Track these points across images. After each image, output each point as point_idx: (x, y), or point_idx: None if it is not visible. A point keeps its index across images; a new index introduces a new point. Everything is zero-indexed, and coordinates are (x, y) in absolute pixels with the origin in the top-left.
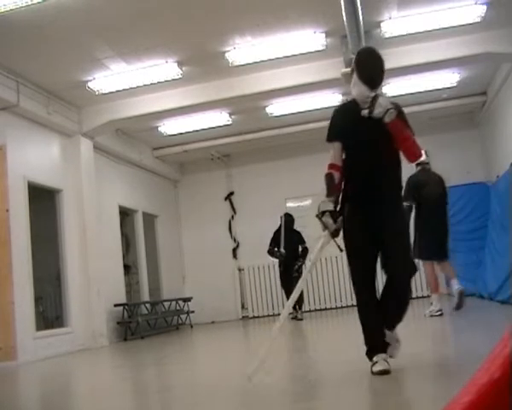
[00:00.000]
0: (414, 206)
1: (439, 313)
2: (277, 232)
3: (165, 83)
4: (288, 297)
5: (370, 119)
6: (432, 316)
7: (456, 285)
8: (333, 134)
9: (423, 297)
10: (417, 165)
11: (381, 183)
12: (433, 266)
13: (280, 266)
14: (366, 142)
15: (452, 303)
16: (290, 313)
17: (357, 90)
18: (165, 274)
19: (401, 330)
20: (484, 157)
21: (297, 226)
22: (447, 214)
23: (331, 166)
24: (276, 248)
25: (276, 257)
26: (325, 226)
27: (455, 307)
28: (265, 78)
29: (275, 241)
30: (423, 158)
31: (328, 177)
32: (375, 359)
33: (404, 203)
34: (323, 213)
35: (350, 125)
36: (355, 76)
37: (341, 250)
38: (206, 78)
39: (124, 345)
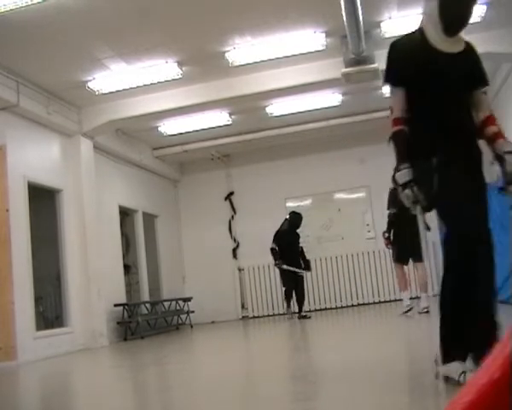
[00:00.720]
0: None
1: (409, 307)
2: (282, 230)
3: (165, 83)
4: (294, 295)
5: (454, 59)
6: (404, 313)
7: (424, 302)
8: (398, 76)
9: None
10: None
11: (471, 142)
12: (403, 268)
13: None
14: (447, 89)
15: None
16: (297, 313)
17: (431, 27)
18: (165, 274)
19: (399, 329)
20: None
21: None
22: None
23: (397, 121)
24: (278, 251)
25: (278, 265)
26: (415, 200)
27: (418, 312)
28: (265, 78)
29: (279, 239)
30: None
31: (399, 135)
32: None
33: (388, 211)
34: (406, 184)
35: (422, 66)
36: (433, 4)
37: (429, 229)
38: (206, 78)
39: (124, 345)
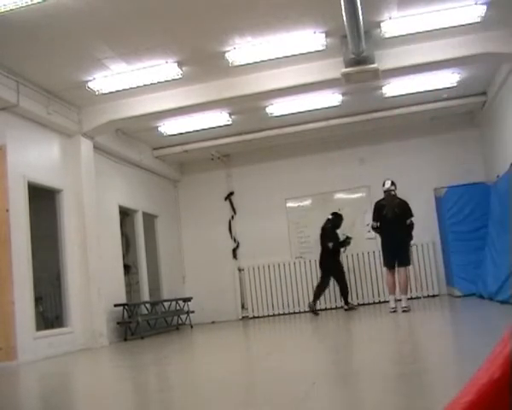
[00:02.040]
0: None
1: (393, 310)
2: (328, 228)
3: (165, 83)
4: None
5: None
6: (390, 312)
7: (403, 303)
8: None
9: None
10: (384, 192)
11: None
12: (393, 273)
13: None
14: None
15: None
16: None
17: None
18: (165, 274)
19: (399, 329)
20: (484, 157)
21: (296, 228)
22: (404, 231)
23: None
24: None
25: (347, 243)
26: None
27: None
28: (265, 78)
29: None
30: (388, 186)
31: None
32: None
33: (372, 223)
34: None
35: None
36: None
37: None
38: (206, 78)
39: (124, 345)
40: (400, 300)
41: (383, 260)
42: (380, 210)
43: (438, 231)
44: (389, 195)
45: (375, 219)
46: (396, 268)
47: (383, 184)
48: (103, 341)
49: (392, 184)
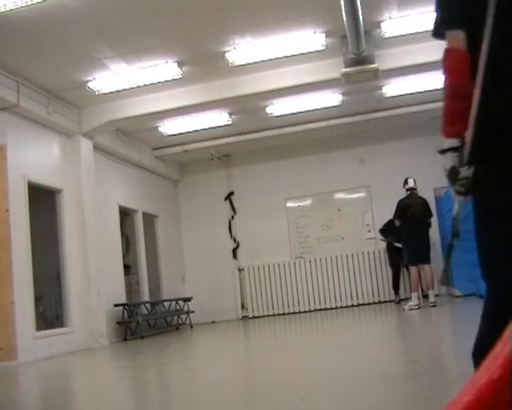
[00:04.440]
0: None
1: (417, 307)
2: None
3: (165, 83)
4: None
5: None
6: (411, 310)
7: (431, 298)
8: (454, 14)
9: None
10: (406, 190)
11: None
12: (418, 270)
13: None
14: None
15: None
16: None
17: None
18: (165, 274)
19: (399, 329)
20: None
21: (296, 228)
22: (428, 230)
23: (454, 52)
24: None
25: None
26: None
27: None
28: (265, 78)
29: None
30: (412, 185)
31: (455, 57)
32: None
33: (395, 221)
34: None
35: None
36: None
37: (457, 235)
38: (206, 78)
39: (124, 345)
40: (427, 296)
41: (409, 257)
42: (404, 209)
43: (438, 231)
44: (413, 193)
45: (398, 217)
46: (420, 266)
47: (405, 182)
48: (103, 341)
49: (415, 182)
